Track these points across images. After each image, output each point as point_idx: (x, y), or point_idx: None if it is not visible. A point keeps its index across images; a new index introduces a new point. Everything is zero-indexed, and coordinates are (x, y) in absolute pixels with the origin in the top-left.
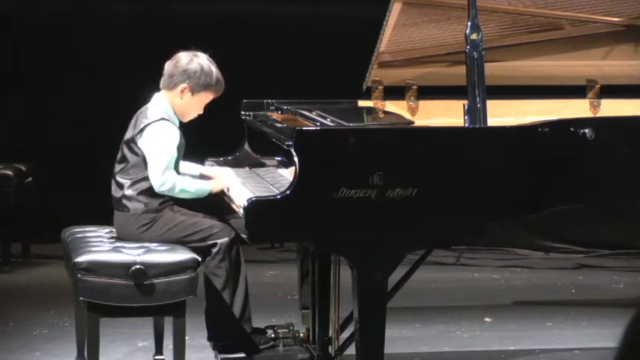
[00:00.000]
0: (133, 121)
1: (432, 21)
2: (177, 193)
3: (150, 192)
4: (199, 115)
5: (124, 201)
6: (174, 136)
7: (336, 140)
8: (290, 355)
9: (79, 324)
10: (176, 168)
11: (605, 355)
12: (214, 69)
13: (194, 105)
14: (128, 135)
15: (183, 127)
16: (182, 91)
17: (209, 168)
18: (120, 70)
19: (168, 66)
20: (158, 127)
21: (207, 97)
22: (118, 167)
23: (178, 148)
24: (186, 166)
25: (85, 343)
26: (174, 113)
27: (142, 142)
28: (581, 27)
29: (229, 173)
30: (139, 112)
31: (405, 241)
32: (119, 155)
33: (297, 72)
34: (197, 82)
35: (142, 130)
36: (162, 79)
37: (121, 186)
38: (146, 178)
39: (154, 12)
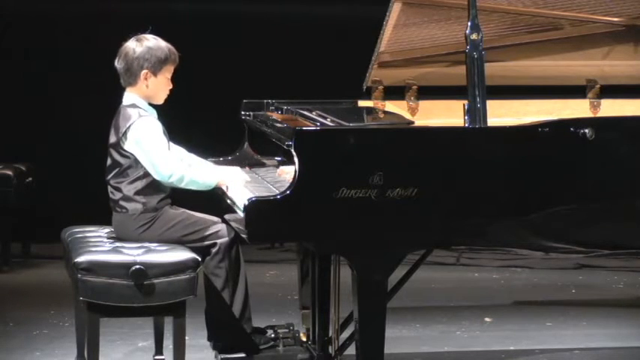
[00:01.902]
0: (112, 124)
1: (432, 21)
2: (186, 184)
3: (147, 191)
4: (171, 91)
5: (122, 202)
6: (157, 126)
7: (336, 140)
8: (290, 355)
9: (79, 324)
10: None
11: (605, 355)
12: (162, 42)
13: (161, 84)
14: (112, 139)
15: (184, 127)
16: (145, 78)
17: (217, 166)
18: None
19: (119, 64)
20: (140, 125)
21: (169, 71)
22: (110, 173)
23: (165, 135)
24: (198, 163)
25: (85, 343)
26: (149, 104)
27: (130, 145)
28: (581, 27)
29: (239, 172)
30: (115, 115)
31: (405, 241)
32: (109, 161)
33: (297, 72)
34: (153, 62)
35: (125, 134)
36: (121, 79)
37: (117, 189)
38: (141, 177)
39: (153, 12)
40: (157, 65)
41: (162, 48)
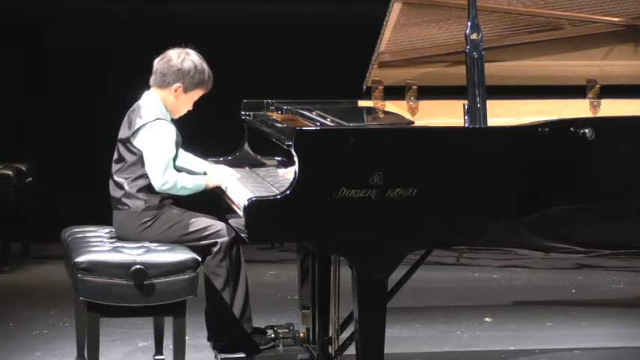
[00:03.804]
0: (125, 119)
1: (432, 21)
2: (177, 191)
3: (150, 189)
4: (188, 112)
5: (124, 199)
6: (171, 134)
7: (336, 140)
8: (290, 355)
9: (79, 324)
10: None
11: (605, 355)
12: (205, 66)
13: (186, 103)
14: (123, 134)
15: (184, 126)
16: (176, 90)
17: (209, 165)
18: (120, 69)
19: (159, 64)
20: (155, 127)
21: (198, 94)
22: (115, 167)
23: (176, 144)
24: (190, 160)
25: (85, 343)
26: (167, 110)
27: (139, 143)
28: (581, 27)
29: (227, 171)
30: (131, 110)
31: (405, 241)
32: (116, 155)
33: (297, 72)
34: (191, 82)
35: (137, 131)
36: (154, 77)
37: (120, 185)
38: (145, 176)
39: (153, 12)
40: (192, 85)
41: (204, 72)
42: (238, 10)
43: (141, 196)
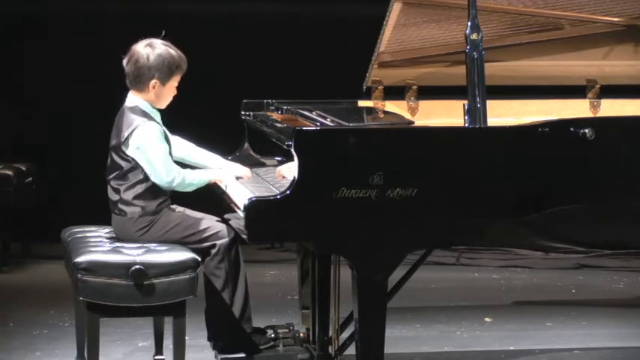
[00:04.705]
0: (114, 126)
1: (432, 21)
2: (186, 186)
3: (146, 195)
4: (175, 98)
5: (121, 205)
6: (158, 132)
7: (336, 140)
8: (290, 355)
9: (79, 324)
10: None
11: (605, 355)
12: (172, 50)
13: (168, 92)
14: (114, 142)
15: (184, 126)
16: (153, 87)
17: (221, 160)
18: (119, 70)
19: (128, 67)
20: (141, 131)
21: (176, 80)
22: (110, 174)
23: (165, 139)
24: (205, 156)
25: (85, 343)
26: (152, 106)
27: (132, 151)
28: (581, 27)
29: (237, 169)
30: (118, 115)
31: (405, 241)
32: (109, 162)
33: (297, 72)
34: (165, 73)
35: (127, 139)
36: (127, 80)
37: (116, 190)
38: (140, 182)
39: (153, 12)
40: (166, 76)
41: (173, 57)
42: (238, 10)
43: (137, 202)
